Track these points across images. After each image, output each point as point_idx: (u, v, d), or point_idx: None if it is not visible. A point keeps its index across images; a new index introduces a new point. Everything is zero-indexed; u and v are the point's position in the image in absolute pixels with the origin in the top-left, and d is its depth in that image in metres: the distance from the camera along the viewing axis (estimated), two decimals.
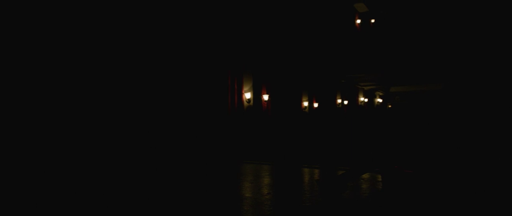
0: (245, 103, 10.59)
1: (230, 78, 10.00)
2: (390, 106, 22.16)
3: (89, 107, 6.54)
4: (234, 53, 10.10)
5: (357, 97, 19.35)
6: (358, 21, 19.36)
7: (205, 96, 9.09)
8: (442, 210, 4.13)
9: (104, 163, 6.75)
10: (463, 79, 15.33)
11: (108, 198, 4.81)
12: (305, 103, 13.96)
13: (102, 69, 6.82)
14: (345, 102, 17.29)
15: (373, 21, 19.36)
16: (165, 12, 8.12)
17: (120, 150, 6.97)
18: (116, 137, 6.92)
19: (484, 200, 4.55)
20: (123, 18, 7.20)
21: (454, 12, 15.92)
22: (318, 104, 14.78)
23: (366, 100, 20.19)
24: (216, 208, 4.42)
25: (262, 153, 9.41)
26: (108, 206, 4.42)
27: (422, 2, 17.67)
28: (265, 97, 11.32)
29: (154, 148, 7.61)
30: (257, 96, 11.04)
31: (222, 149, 9.04)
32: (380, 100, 22.47)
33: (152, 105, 7.73)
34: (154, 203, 4.58)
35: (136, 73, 7.42)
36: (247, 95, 10.57)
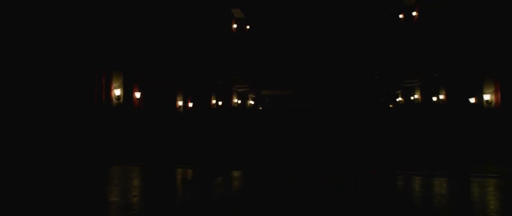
0: (115, 100, 9.79)
1: (97, 73, 9.09)
2: (261, 108, 24.01)
3: None
4: (101, 47, 9.21)
5: (231, 98, 20.28)
6: (235, 26, 20.33)
7: (64, 90, 7.96)
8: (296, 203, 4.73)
9: None
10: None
11: None
12: (180, 103, 13.84)
13: None
14: (220, 103, 17.89)
15: (248, 27, 20.64)
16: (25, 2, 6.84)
17: None
18: None
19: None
20: None
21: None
22: (193, 104, 14.85)
23: (239, 101, 21.35)
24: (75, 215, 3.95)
25: (134, 153, 8.86)
26: None
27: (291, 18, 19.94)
28: (137, 94, 10.71)
29: (5, 150, 6.25)
30: (128, 93, 10.34)
31: (85, 150, 8.09)
32: (252, 102, 24.11)
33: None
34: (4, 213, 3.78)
35: None
36: (117, 92, 9.79)
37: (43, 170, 6.57)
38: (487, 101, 11.04)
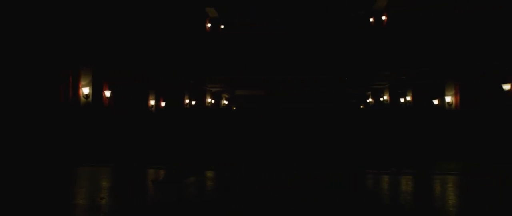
0: (83, 98, 9.46)
1: (63, 70, 8.73)
2: (234, 108, 23.96)
3: None
4: (68, 44, 8.86)
5: (205, 98, 20.13)
6: (209, 25, 20.19)
7: (27, 88, 7.58)
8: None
9: None
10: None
11: None
12: (152, 102, 13.59)
13: None
14: (193, 103, 17.72)
15: (222, 26, 20.56)
16: None
17: None
18: None
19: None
20: None
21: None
22: (166, 104, 14.63)
23: (213, 101, 21.23)
24: None
25: (103, 154, 8.59)
26: None
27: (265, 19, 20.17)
28: (107, 93, 10.41)
29: None
30: (97, 92, 10.02)
31: (50, 151, 7.76)
32: (226, 102, 24.02)
33: None
34: None
35: None
36: (86, 90, 9.46)
37: (4, 173, 6.24)
38: (448, 103, 11.68)
